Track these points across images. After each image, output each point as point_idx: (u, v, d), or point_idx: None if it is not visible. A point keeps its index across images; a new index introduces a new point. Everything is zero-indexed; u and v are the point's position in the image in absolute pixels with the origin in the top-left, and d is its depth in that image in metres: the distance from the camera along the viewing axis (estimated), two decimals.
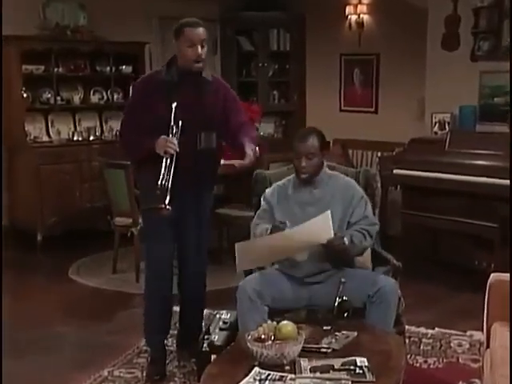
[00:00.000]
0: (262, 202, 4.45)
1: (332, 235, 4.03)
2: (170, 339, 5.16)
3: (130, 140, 4.52)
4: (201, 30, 4.33)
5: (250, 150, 4.33)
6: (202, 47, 4.33)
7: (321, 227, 4.03)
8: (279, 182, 4.49)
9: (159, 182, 4.22)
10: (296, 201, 4.33)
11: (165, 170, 4.25)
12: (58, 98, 8.24)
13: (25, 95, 7.90)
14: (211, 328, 4.45)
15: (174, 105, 4.29)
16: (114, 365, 4.85)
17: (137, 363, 4.89)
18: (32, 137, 8.07)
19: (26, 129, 7.99)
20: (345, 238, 4.11)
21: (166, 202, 4.18)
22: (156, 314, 4.75)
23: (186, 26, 4.32)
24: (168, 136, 4.29)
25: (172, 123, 4.30)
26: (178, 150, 4.26)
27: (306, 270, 4.23)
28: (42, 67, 8.05)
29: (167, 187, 4.21)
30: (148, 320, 4.80)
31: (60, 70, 8.22)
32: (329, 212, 4.02)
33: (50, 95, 8.17)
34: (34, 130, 8.14)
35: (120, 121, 4.70)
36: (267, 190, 4.48)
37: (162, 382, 4.65)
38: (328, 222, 4.00)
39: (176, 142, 4.27)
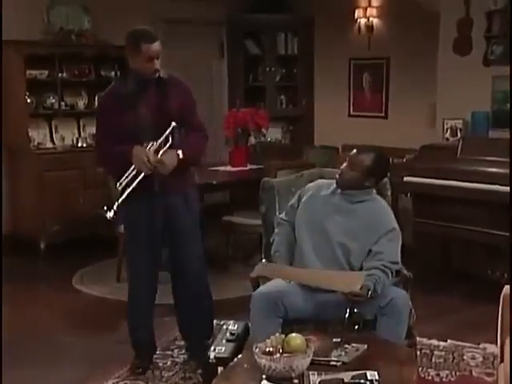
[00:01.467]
0: (296, 195, 4.46)
1: (357, 289, 3.91)
2: (175, 350, 5.14)
3: (106, 153, 4.53)
4: (157, 44, 4.40)
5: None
6: (158, 59, 4.40)
7: (351, 279, 3.97)
8: (325, 180, 4.49)
9: (118, 184, 4.34)
10: (327, 203, 4.30)
11: (129, 175, 4.32)
12: (62, 103, 8.17)
13: (28, 100, 7.84)
14: (218, 339, 4.39)
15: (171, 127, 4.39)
16: (119, 376, 4.79)
17: (143, 375, 4.81)
18: (35, 143, 7.99)
19: (30, 134, 7.91)
20: (369, 290, 3.97)
21: (115, 207, 4.28)
22: (140, 309, 4.85)
23: (143, 41, 4.34)
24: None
25: (161, 140, 4.38)
26: (151, 171, 4.33)
27: None
28: (46, 72, 7.99)
29: (122, 192, 4.31)
30: (131, 315, 4.88)
31: (64, 74, 8.16)
32: (364, 273, 3.97)
33: (54, 100, 8.10)
34: (38, 135, 8.07)
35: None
36: (310, 184, 4.49)
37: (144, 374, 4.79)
38: (361, 280, 3.92)
39: (153, 158, 4.33)
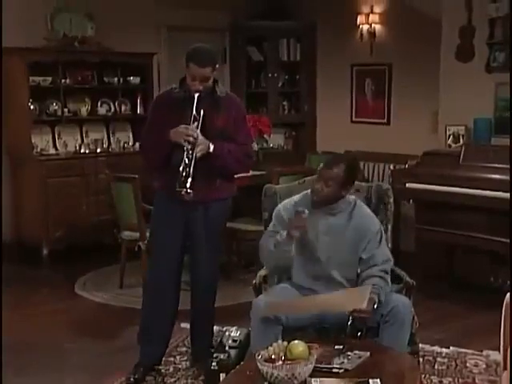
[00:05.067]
0: (274, 219, 4.37)
1: (364, 306, 3.85)
2: (177, 357, 5.12)
3: (150, 146, 4.69)
4: (205, 70, 4.46)
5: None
6: (204, 82, 4.47)
7: (356, 297, 3.92)
8: (296, 198, 4.38)
9: (181, 169, 4.36)
10: (311, 226, 4.21)
11: (186, 158, 4.38)
12: (65, 109, 8.17)
13: (32, 107, 7.84)
14: (220, 346, 4.40)
15: (196, 95, 4.44)
16: (121, 383, 4.78)
17: (145, 382, 4.80)
18: (38, 149, 8.00)
19: (33, 141, 7.92)
20: (374, 303, 3.93)
21: (188, 185, 4.32)
22: (150, 325, 4.85)
23: (193, 61, 4.44)
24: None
25: (194, 112, 4.43)
26: (197, 136, 4.39)
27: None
28: (50, 79, 7.98)
29: (189, 173, 4.34)
30: (142, 328, 4.90)
31: (67, 81, 8.16)
32: (369, 288, 3.93)
33: (57, 107, 8.10)
34: (41, 142, 8.07)
35: (141, 135, 4.96)
36: (280, 206, 4.37)
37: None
38: (366, 294, 3.87)
39: (197, 130, 4.42)
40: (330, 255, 4.18)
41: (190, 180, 4.34)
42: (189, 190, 4.33)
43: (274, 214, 4.39)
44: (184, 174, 4.35)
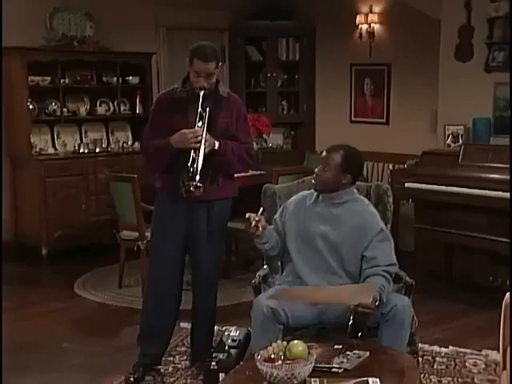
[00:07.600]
0: (278, 213, 4.45)
1: (370, 302, 3.84)
2: (177, 356, 5.11)
3: (151, 152, 4.68)
4: (210, 65, 4.47)
5: None
6: (209, 78, 4.49)
7: (361, 292, 3.92)
8: (304, 192, 4.46)
9: (188, 164, 4.38)
10: (312, 213, 4.28)
11: (194, 153, 4.40)
12: (64, 109, 8.16)
13: (31, 107, 7.82)
14: (220, 345, 4.40)
15: (201, 92, 4.45)
16: (120, 383, 4.77)
17: (144, 382, 4.79)
18: (37, 149, 7.98)
19: (32, 141, 7.90)
20: (377, 301, 3.94)
21: (197, 178, 4.34)
22: (150, 325, 4.86)
23: (197, 57, 4.45)
24: (194, 125, 4.47)
25: (200, 109, 4.46)
26: (204, 136, 4.42)
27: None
28: (49, 78, 7.98)
29: (197, 169, 4.37)
30: (142, 328, 4.92)
31: (66, 81, 8.15)
32: (376, 284, 3.96)
33: (56, 107, 8.10)
34: (40, 141, 8.06)
35: (141, 135, 4.96)
36: (293, 198, 4.46)
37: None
38: (372, 292, 3.88)
39: (201, 128, 4.44)
40: (330, 246, 4.19)
41: (198, 175, 4.36)
42: (199, 184, 4.34)
43: (282, 206, 4.47)
44: (192, 169, 4.37)
